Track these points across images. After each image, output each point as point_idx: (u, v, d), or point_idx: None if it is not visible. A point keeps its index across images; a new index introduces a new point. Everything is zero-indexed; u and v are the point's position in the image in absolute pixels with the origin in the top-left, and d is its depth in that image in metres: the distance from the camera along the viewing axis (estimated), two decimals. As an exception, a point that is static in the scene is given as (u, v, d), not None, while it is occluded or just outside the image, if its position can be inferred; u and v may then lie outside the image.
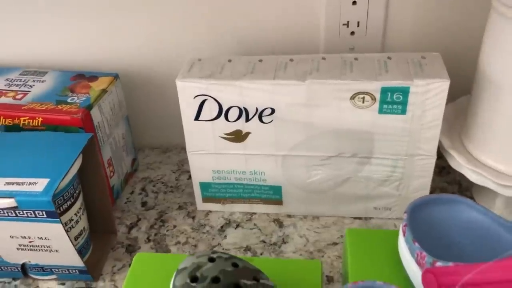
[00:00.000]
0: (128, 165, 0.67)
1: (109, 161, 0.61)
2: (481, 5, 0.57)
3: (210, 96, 0.53)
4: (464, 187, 0.63)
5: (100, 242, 0.58)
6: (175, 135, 0.72)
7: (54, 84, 0.61)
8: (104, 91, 0.59)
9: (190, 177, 0.68)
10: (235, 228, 0.59)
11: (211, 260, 0.35)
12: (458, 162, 0.54)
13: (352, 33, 0.62)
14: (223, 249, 0.57)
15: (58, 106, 0.56)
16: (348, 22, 0.61)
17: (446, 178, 0.64)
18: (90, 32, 0.65)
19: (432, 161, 0.54)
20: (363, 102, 0.51)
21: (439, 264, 0.34)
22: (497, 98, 0.51)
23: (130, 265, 0.54)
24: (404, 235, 0.39)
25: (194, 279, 0.34)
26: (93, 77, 0.62)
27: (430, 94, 0.50)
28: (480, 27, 0.54)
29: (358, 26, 0.61)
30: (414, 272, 0.37)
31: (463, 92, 0.61)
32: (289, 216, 0.60)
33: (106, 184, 0.57)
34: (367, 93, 0.51)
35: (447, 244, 0.39)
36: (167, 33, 0.65)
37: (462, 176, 0.63)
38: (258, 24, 0.63)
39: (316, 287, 0.40)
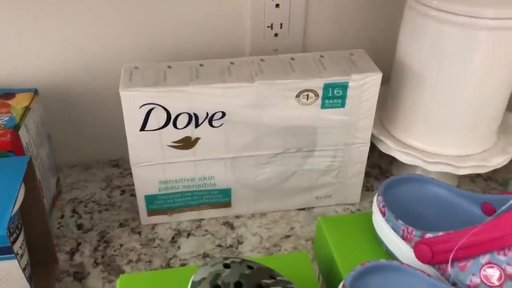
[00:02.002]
0: (53, 187, 0.61)
1: (39, 184, 0.55)
2: (393, 3, 0.64)
3: (158, 105, 0.51)
4: (384, 169, 0.69)
5: (41, 275, 0.52)
6: (97, 150, 0.68)
7: (-39, 106, 0.53)
8: (27, 109, 0.54)
9: (123, 192, 0.65)
10: (187, 237, 0.58)
11: (227, 266, 0.35)
12: (389, 146, 0.60)
13: (276, 34, 0.65)
14: (180, 259, 0.56)
15: (-22, 129, 0.50)
16: (272, 24, 0.64)
17: (367, 163, 0.70)
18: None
19: (366, 148, 0.59)
20: (307, 99, 0.54)
21: (429, 235, 0.38)
22: (418, 86, 0.57)
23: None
24: (384, 215, 0.42)
25: (216, 287, 0.33)
26: (8, 94, 0.55)
27: (366, 87, 0.55)
28: (391, 25, 0.61)
29: (281, 28, 0.64)
30: (400, 247, 0.41)
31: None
32: (237, 217, 0.61)
33: (44, 210, 0.52)
34: (311, 90, 0.54)
35: (415, 218, 0.44)
36: (84, 43, 0.61)
37: (381, 159, 0.70)
38: (185, 30, 0.63)
39: (311, 278, 0.41)
